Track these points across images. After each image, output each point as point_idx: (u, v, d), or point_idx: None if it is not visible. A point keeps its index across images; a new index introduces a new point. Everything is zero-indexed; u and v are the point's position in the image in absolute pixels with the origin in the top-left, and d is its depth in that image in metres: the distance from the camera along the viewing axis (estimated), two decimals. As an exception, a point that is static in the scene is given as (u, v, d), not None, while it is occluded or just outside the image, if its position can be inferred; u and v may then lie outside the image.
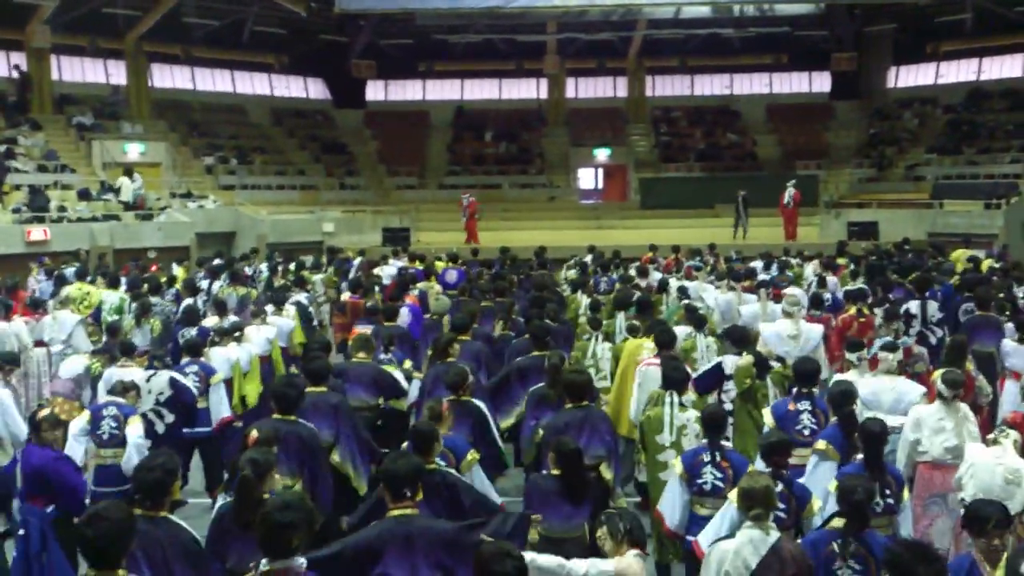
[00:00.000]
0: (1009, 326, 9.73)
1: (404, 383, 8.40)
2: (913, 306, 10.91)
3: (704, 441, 5.89)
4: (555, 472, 5.40)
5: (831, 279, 13.87)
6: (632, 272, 14.90)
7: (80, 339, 10.80)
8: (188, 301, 12.23)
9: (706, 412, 6.07)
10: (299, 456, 5.99)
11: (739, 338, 8.39)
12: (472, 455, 5.87)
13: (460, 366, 7.21)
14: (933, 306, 10.96)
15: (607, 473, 6.03)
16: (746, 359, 7.71)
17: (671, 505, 5.84)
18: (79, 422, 6.99)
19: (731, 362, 8.03)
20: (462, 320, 9.22)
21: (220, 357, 8.94)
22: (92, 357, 9.36)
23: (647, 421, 6.63)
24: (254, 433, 5.62)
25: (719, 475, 5.68)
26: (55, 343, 10.27)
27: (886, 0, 28.13)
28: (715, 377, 8.00)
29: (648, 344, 8.45)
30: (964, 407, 6.59)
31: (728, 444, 5.84)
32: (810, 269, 15.09)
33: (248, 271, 16.07)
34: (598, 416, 6.45)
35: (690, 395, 7.09)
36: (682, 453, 6.23)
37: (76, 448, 6.80)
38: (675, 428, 6.49)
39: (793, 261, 16.22)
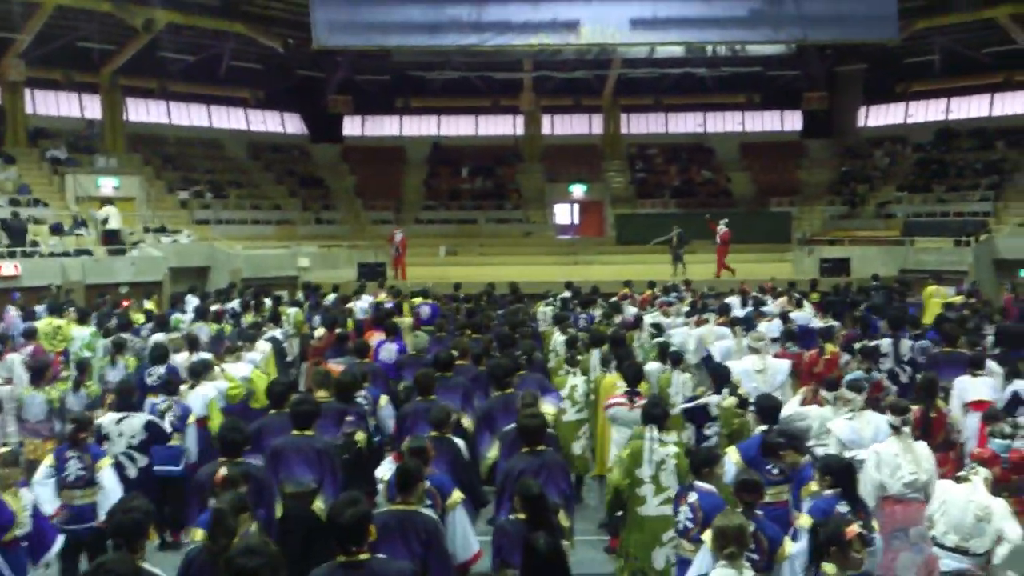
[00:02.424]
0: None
1: (390, 423, 8.40)
2: (884, 344, 10.99)
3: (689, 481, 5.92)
4: (521, 516, 5.37)
5: (800, 314, 13.97)
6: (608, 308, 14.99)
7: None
8: (158, 336, 12.10)
9: (692, 453, 6.08)
10: (318, 464, 6.49)
11: (720, 375, 8.43)
12: (456, 495, 5.83)
13: (443, 404, 7.18)
14: (906, 344, 11.04)
15: (565, 520, 6.00)
16: (730, 400, 7.74)
17: None
18: (42, 467, 6.89)
19: (716, 402, 8.07)
20: (446, 357, 9.18)
21: (196, 395, 8.84)
22: (48, 387, 9.22)
23: (628, 456, 6.60)
24: (222, 471, 5.53)
25: (689, 515, 5.69)
26: (21, 383, 10.14)
27: (856, 41, 28.62)
28: (702, 414, 8.02)
29: (620, 381, 8.49)
30: (920, 444, 6.66)
31: (705, 486, 5.81)
32: (777, 305, 15.19)
33: (227, 306, 15.91)
34: (555, 463, 6.36)
35: (671, 434, 7.08)
36: (659, 488, 6.28)
37: (41, 492, 6.69)
38: (654, 463, 6.48)
39: (765, 298, 16.32)
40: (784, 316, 13.19)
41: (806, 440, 6.67)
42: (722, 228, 24.06)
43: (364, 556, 4.39)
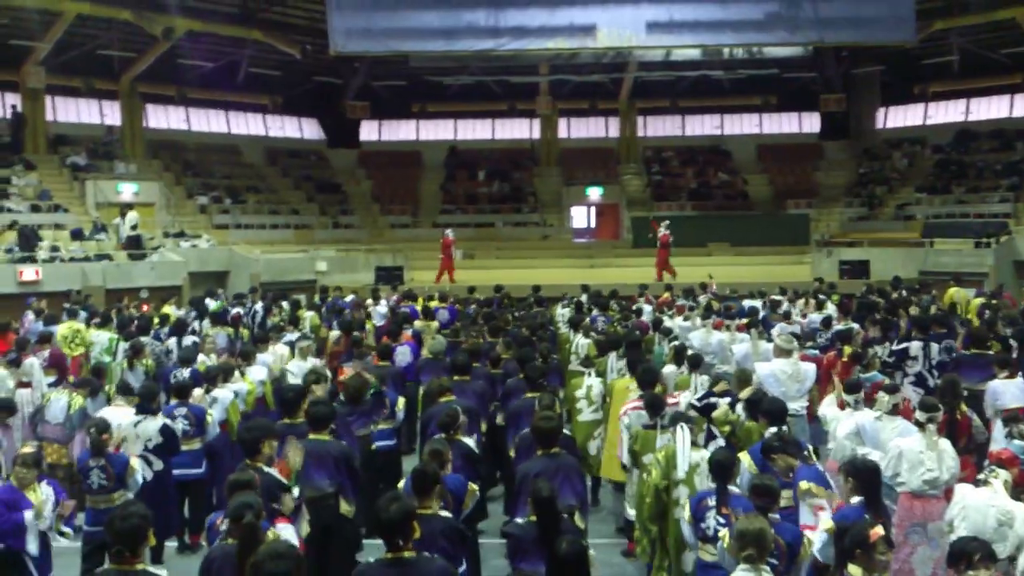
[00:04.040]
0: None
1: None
2: (914, 347, 10.85)
3: (712, 485, 5.88)
4: (532, 519, 5.38)
5: (816, 316, 13.90)
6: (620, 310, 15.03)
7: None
8: (186, 340, 12.20)
9: (714, 457, 6.05)
10: (335, 470, 6.58)
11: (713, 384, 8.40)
12: (472, 488, 6.05)
13: (452, 407, 7.20)
14: (935, 348, 10.90)
15: (580, 522, 6.01)
16: (722, 409, 7.67)
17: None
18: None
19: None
20: (463, 361, 9.20)
21: (215, 399, 8.88)
22: (73, 392, 9.30)
23: (664, 458, 6.58)
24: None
25: (722, 521, 5.63)
26: (39, 388, 10.27)
27: (873, 43, 28.46)
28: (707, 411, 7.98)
29: (632, 384, 8.46)
30: (945, 442, 6.62)
31: (735, 490, 5.78)
32: (796, 308, 15.11)
33: (240, 311, 15.99)
34: (570, 465, 6.40)
35: (702, 435, 7.07)
36: (693, 491, 6.26)
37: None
38: (688, 465, 6.46)
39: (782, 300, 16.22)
40: (827, 320, 13.13)
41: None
42: (662, 231, 23.98)
43: (410, 554, 4.43)
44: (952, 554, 4.55)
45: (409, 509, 4.50)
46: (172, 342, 12.36)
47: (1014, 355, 10.61)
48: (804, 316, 14.44)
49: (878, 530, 4.66)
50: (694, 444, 6.55)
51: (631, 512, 7.67)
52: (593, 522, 7.69)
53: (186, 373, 9.75)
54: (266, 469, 5.93)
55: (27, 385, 10.73)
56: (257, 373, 10.20)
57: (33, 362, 10.90)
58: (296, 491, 5.92)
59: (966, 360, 10.11)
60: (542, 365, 8.98)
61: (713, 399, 8.10)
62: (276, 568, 3.76)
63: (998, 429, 8.40)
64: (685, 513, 5.95)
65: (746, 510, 5.57)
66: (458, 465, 6.54)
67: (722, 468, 5.83)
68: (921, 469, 6.43)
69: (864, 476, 5.51)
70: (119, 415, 8.02)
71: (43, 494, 6.16)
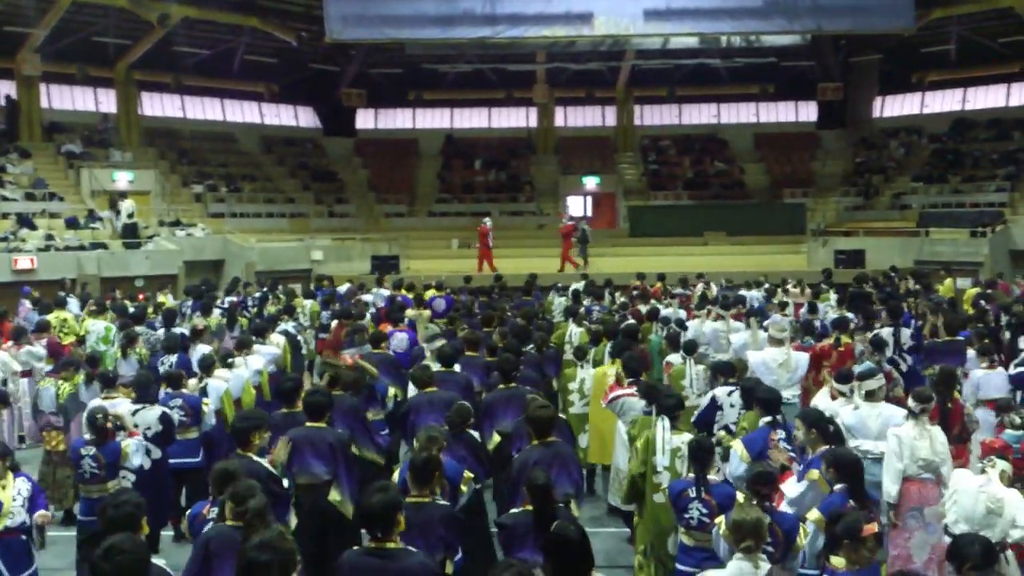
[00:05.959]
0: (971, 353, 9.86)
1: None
2: (885, 333, 10.94)
3: (691, 475, 5.89)
4: (527, 508, 5.39)
5: (820, 306, 13.94)
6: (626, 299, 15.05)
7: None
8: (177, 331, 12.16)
9: (693, 443, 6.07)
10: (331, 457, 6.59)
11: (726, 370, 8.41)
12: (467, 475, 6.09)
13: (463, 403, 7.18)
14: (905, 333, 11.01)
15: (576, 510, 6.04)
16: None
17: None
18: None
19: (722, 393, 8.03)
20: (449, 352, 9.20)
21: (211, 388, 8.87)
22: (57, 379, 9.28)
23: (643, 445, 6.61)
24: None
25: (704, 510, 5.66)
26: (39, 376, 10.28)
27: (871, 31, 28.40)
28: (711, 410, 8.00)
29: (610, 370, 8.48)
30: (936, 429, 6.68)
31: (714, 478, 5.81)
32: (791, 298, 15.15)
33: (236, 299, 15.98)
34: (566, 453, 6.40)
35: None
36: (676, 476, 6.29)
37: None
38: (669, 451, 6.47)
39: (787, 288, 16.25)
40: (812, 307, 13.19)
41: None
42: (565, 220, 24.29)
43: (392, 545, 4.43)
44: (951, 551, 4.54)
45: (393, 502, 4.47)
46: (163, 332, 12.33)
47: (1006, 344, 10.70)
48: (799, 306, 14.47)
49: (872, 527, 4.68)
50: (675, 429, 6.58)
51: (615, 499, 7.76)
52: (587, 510, 7.72)
53: (173, 359, 9.74)
54: (256, 459, 5.95)
55: (28, 374, 10.75)
56: (254, 363, 10.20)
57: (31, 351, 10.90)
58: (285, 482, 5.94)
59: (937, 348, 10.20)
60: (515, 357, 8.88)
61: (715, 391, 8.13)
62: (260, 558, 3.72)
63: (984, 420, 8.46)
64: (662, 498, 5.98)
65: (727, 497, 5.60)
66: (463, 456, 6.57)
67: (701, 452, 5.86)
68: (917, 454, 6.47)
69: (845, 465, 5.53)
70: (111, 405, 8.00)
71: (12, 491, 5.83)
